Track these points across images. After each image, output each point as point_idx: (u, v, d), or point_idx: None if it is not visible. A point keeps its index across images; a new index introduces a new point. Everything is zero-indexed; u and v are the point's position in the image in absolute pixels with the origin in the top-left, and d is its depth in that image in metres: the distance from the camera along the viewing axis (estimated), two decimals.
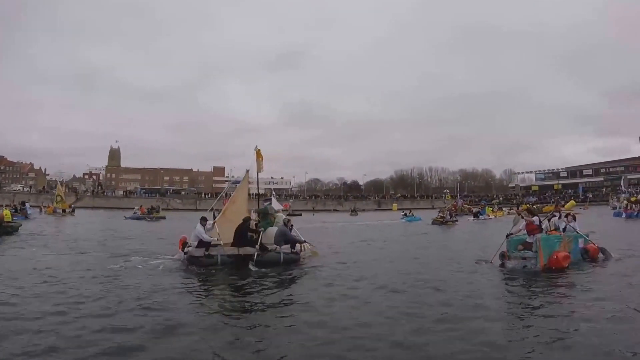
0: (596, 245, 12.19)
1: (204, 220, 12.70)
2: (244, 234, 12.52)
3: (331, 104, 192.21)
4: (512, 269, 10.70)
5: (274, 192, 61.96)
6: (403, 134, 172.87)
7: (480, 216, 41.41)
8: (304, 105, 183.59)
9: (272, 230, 13.47)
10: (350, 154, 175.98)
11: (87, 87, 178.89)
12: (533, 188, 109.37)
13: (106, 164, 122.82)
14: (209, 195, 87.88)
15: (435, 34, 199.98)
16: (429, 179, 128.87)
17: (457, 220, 34.78)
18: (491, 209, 51.72)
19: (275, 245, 12.69)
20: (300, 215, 56.33)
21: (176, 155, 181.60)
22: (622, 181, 53.67)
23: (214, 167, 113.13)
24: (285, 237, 12.82)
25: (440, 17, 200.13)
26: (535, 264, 10.53)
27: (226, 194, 17.67)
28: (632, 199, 36.46)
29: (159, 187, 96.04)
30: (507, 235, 11.64)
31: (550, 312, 6.81)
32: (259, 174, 15.06)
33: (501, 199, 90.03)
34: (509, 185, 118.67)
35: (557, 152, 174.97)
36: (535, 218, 11.64)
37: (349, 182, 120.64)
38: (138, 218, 40.89)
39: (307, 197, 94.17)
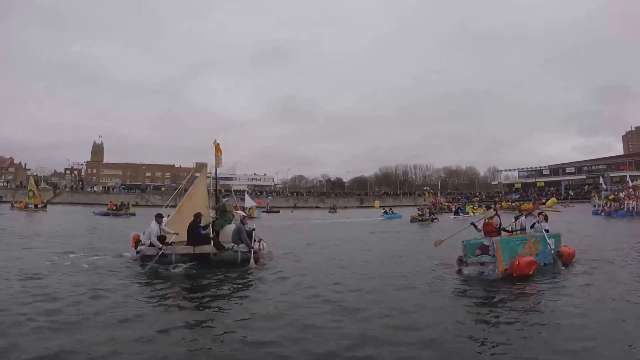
0: (572, 248, 11.05)
1: (159, 217, 12.01)
2: (196, 231, 11.78)
3: (319, 101, 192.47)
4: (468, 276, 9.66)
5: (247, 189, 61.67)
6: (390, 132, 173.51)
7: (460, 214, 40.89)
8: (292, 102, 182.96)
9: (231, 228, 12.72)
10: (337, 151, 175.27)
11: (73, 81, 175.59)
12: (516, 186, 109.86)
13: (89, 159, 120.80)
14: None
15: (429, 37, 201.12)
16: (414, 177, 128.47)
17: (436, 218, 34.08)
18: (471, 206, 51.27)
19: (232, 244, 11.92)
20: (278, 212, 55.89)
21: (161, 150, 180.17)
22: (601, 179, 53.14)
23: (196, 163, 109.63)
24: (241, 236, 12.02)
25: (432, 20, 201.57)
26: (493, 270, 9.42)
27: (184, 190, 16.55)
28: (610, 197, 36.06)
29: (140, 183, 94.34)
30: (471, 224, 10.88)
31: (499, 334, 5.71)
32: (218, 168, 14.50)
33: (484, 196, 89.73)
34: (492, 183, 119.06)
35: (542, 151, 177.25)
36: (496, 219, 10.52)
37: (333, 179, 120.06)
38: (107, 214, 39.77)
39: (289, 194, 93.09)
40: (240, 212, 14.76)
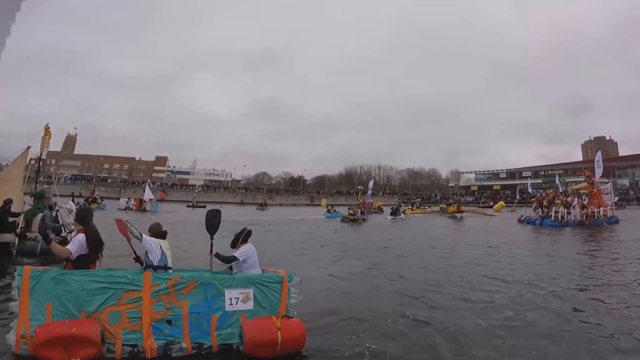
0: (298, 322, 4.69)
1: None
2: (3, 219, 10.35)
3: (295, 105, 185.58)
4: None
5: (149, 181, 55.40)
6: (363, 136, 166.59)
7: (397, 214, 36.37)
8: (270, 103, 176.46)
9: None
10: (310, 152, 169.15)
11: (55, 70, 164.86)
12: (473, 188, 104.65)
13: (60, 151, 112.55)
14: (142, 184, 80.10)
15: (405, 53, 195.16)
16: (377, 177, 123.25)
17: (367, 218, 30.61)
18: (409, 208, 46.54)
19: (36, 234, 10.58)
20: (205, 207, 50.23)
21: (136, 144, 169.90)
22: (529, 182, 45.93)
23: (157, 157, 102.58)
24: (45, 223, 10.35)
25: (408, 41, 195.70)
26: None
27: None
28: (535, 198, 29.78)
29: (89, 174, 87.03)
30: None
31: None
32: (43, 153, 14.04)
33: (438, 197, 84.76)
34: (449, 185, 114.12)
35: (508, 157, 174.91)
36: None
37: (295, 176, 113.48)
38: None
39: (236, 190, 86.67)
40: (72, 203, 13.48)
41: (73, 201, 36.74)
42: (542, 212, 26.16)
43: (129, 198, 39.47)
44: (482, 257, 12.05)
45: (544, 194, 29.65)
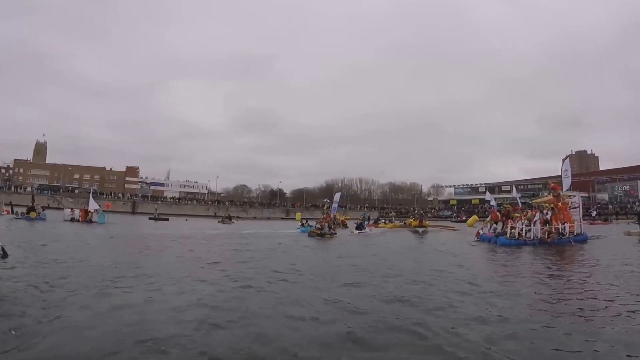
0: None
1: None
2: None
3: (282, 116, 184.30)
4: None
5: (93, 189, 53.15)
6: (351, 150, 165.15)
7: (362, 229, 34.75)
8: (254, 114, 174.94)
9: None
10: (294, 165, 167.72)
11: (31, 75, 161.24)
12: (451, 202, 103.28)
13: (30, 159, 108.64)
14: (111, 195, 77.24)
15: (394, 64, 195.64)
16: (359, 191, 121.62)
17: (335, 233, 28.49)
18: (379, 221, 45.90)
19: None
20: (167, 220, 48.40)
21: (119, 154, 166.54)
22: (487, 194, 42.92)
23: (127, 167, 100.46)
24: None
25: (398, 52, 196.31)
26: None
27: None
28: (486, 220, 27.41)
29: (58, 185, 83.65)
30: None
31: None
32: None
33: (416, 211, 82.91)
34: (428, 199, 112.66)
35: (493, 171, 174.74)
36: None
37: (275, 189, 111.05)
38: None
39: (209, 202, 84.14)
40: None
41: (12, 210, 34.67)
42: (501, 227, 24.00)
43: (71, 209, 36.35)
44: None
45: (502, 209, 27.00)
